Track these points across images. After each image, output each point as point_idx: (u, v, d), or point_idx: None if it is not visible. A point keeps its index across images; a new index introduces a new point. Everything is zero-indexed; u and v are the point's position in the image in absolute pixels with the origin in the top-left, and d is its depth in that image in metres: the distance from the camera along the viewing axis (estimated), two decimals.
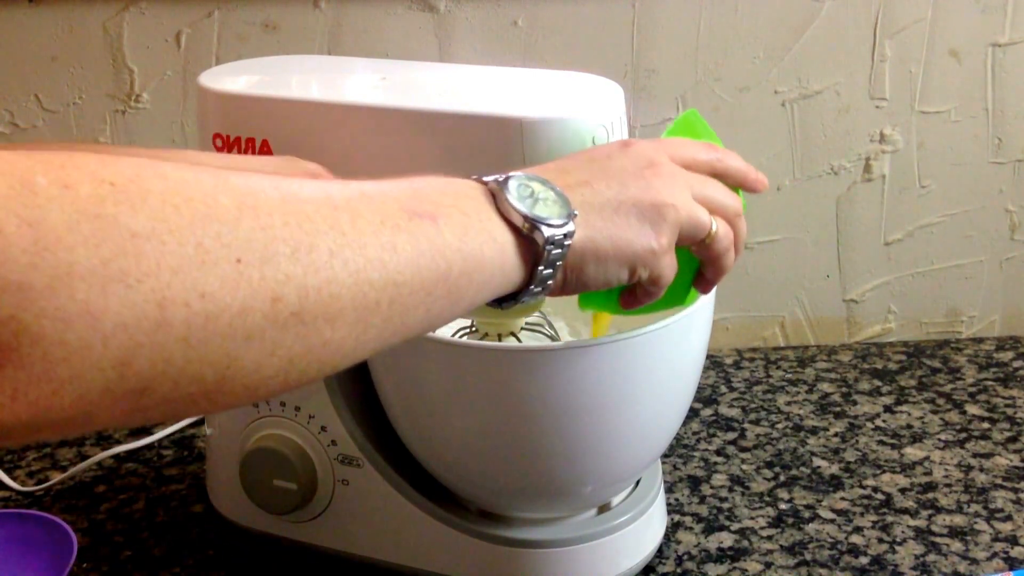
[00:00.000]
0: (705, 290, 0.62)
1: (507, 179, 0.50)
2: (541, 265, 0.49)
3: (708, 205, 0.56)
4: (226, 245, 0.37)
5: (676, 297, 0.61)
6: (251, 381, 0.39)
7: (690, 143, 0.60)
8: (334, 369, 0.43)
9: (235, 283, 0.37)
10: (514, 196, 0.49)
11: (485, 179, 0.50)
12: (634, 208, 0.53)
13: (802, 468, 0.89)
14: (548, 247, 0.49)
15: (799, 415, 0.97)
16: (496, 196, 0.49)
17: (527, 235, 0.49)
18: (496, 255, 0.48)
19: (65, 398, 0.34)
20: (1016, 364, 1.06)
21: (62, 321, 0.33)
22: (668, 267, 0.55)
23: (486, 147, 0.63)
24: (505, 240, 0.48)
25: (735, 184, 0.60)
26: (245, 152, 0.69)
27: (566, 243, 0.50)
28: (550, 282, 0.51)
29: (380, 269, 0.42)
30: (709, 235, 0.56)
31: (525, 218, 0.48)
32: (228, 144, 0.69)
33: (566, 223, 0.50)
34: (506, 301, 0.51)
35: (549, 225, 0.49)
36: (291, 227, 0.39)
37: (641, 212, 0.53)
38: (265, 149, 0.68)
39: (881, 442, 0.93)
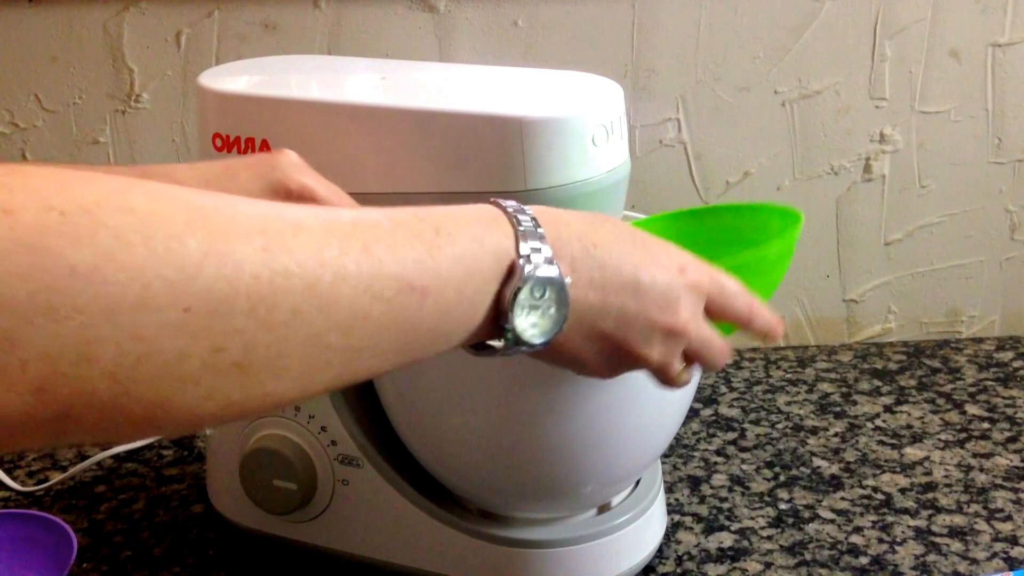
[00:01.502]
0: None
1: (532, 274, 0.46)
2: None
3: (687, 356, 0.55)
4: (177, 292, 0.35)
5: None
6: (183, 418, 0.37)
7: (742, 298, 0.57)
8: (276, 411, 0.41)
9: (176, 330, 0.35)
10: (524, 298, 0.47)
11: (520, 258, 0.47)
12: (610, 346, 0.52)
13: (802, 468, 0.89)
14: (509, 347, 0.48)
15: (799, 415, 0.97)
16: (505, 290, 0.47)
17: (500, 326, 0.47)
18: (470, 336, 0.47)
19: None
20: (1016, 364, 1.06)
21: None
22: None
23: (486, 147, 0.63)
24: (482, 321, 0.47)
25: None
26: (245, 152, 0.68)
27: (535, 345, 0.49)
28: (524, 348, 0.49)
29: (342, 335, 0.40)
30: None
31: (513, 336, 0.47)
32: (228, 144, 0.69)
33: (543, 342, 0.48)
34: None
35: (526, 342, 0.48)
36: (261, 282, 0.37)
37: (615, 353, 0.53)
38: (265, 149, 0.68)
39: (881, 442, 0.93)
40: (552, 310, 0.48)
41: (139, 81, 1.01)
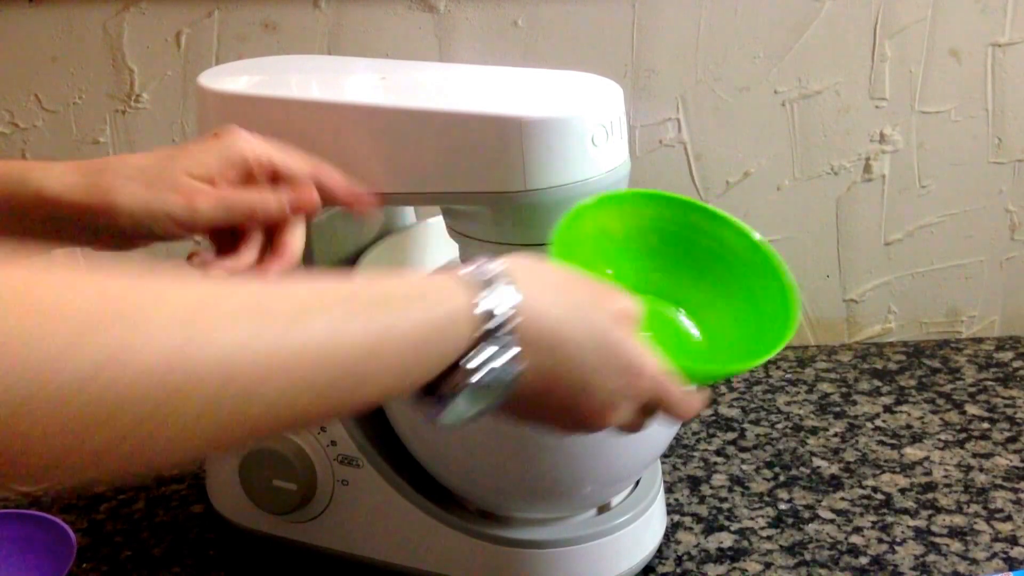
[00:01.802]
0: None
1: (484, 377, 0.45)
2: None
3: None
4: (66, 398, 0.32)
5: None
6: (77, 483, 0.36)
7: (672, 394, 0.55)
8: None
9: (62, 433, 0.33)
10: (466, 393, 0.45)
11: (470, 361, 0.45)
12: (528, 416, 0.51)
13: (802, 468, 0.89)
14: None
15: (799, 415, 0.97)
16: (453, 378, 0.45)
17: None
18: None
19: None
20: (1016, 364, 1.06)
21: None
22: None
23: (486, 147, 0.63)
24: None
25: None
26: None
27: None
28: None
29: (261, 412, 0.38)
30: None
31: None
32: None
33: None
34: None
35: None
36: (171, 381, 0.35)
37: (531, 417, 0.52)
38: None
39: (881, 442, 0.93)
40: (491, 398, 0.47)
41: (139, 81, 1.01)
